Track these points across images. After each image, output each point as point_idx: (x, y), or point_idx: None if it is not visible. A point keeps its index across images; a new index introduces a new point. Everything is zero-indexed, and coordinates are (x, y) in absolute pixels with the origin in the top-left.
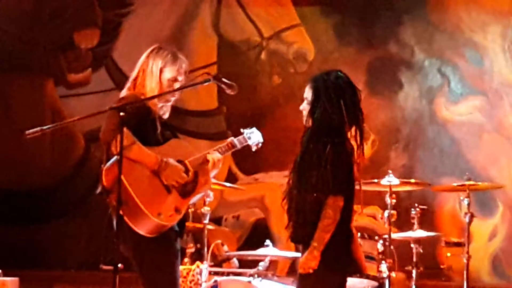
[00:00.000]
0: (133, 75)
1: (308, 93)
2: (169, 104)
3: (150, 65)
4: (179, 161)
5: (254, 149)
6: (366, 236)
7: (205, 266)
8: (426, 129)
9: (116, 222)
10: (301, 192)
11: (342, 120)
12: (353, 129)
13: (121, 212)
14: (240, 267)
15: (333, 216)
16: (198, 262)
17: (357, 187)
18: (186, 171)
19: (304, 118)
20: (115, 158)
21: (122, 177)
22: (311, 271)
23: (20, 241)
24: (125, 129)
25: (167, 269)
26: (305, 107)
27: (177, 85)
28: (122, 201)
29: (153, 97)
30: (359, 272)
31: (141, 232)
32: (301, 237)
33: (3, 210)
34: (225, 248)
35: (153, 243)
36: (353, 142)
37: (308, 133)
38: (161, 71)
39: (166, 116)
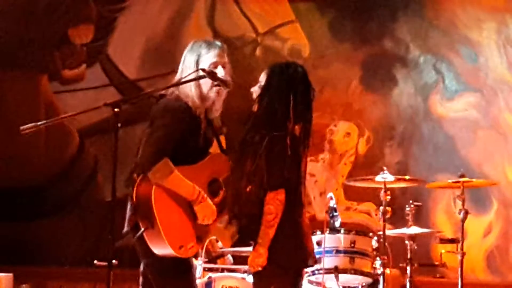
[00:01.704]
0: (176, 78)
1: (262, 78)
2: (219, 101)
3: (186, 62)
4: (214, 180)
5: None
6: (360, 232)
7: (199, 263)
8: (421, 126)
9: (111, 220)
10: (236, 181)
11: (286, 113)
12: (300, 126)
13: (144, 233)
14: (234, 263)
15: (274, 211)
16: (192, 258)
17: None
18: (218, 190)
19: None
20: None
21: (153, 202)
22: (260, 268)
23: (14, 237)
24: (166, 158)
25: (185, 274)
26: (256, 91)
27: (221, 71)
28: (149, 223)
29: (141, 95)
30: (311, 265)
31: (156, 253)
32: (237, 227)
33: None
34: (220, 244)
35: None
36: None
37: (251, 120)
38: (196, 64)
39: (217, 114)
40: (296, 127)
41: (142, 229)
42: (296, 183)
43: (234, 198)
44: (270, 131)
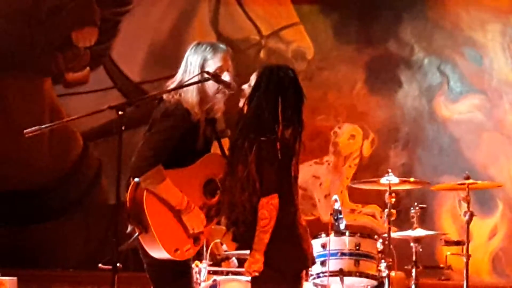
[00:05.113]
0: (176, 79)
1: (253, 78)
2: (220, 101)
3: (189, 65)
4: (210, 180)
5: None
6: (365, 235)
7: (204, 266)
8: (426, 128)
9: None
10: (231, 188)
11: (275, 116)
12: (290, 130)
13: (139, 237)
14: (239, 266)
15: (268, 216)
16: (197, 262)
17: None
18: (215, 191)
19: (241, 101)
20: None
21: (145, 207)
22: (256, 274)
23: (18, 240)
24: (159, 165)
25: (183, 277)
26: (246, 89)
27: (226, 77)
28: (143, 228)
29: (142, 98)
30: (308, 266)
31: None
32: (233, 235)
33: (1, 210)
34: (224, 247)
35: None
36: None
37: (241, 123)
38: (202, 68)
39: (218, 113)
40: (286, 131)
41: (136, 234)
42: (289, 187)
43: (230, 205)
44: (259, 135)
